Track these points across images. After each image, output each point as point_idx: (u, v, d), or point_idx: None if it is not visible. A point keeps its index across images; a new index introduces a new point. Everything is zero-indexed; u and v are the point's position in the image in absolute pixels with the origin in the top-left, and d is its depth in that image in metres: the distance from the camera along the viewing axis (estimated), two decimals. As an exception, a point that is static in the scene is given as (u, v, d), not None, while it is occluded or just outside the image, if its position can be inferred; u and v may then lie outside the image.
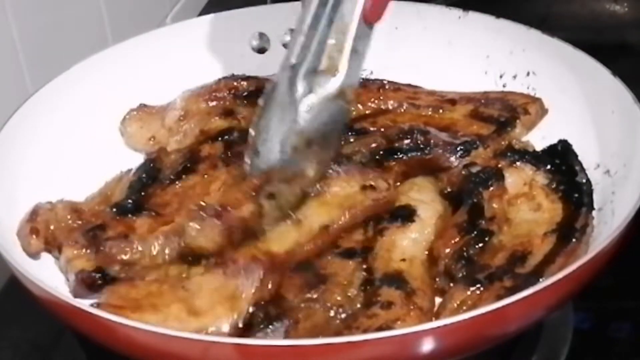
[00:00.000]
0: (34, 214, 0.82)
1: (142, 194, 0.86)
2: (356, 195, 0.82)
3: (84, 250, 0.78)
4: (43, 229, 0.81)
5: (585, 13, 1.24)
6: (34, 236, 0.80)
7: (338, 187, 0.82)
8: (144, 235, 0.79)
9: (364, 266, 0.78)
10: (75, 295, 0.77)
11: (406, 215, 0.80)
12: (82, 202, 0.87)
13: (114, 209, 0.83)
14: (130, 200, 0.85)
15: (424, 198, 0.82)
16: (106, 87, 0.96)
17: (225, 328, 0.71)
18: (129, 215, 0.82)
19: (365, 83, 0.97)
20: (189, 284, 0.74)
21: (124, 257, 0.77)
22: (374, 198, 0.82)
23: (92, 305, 0.72)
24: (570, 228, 0.78)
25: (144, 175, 0.88)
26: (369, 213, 0.82)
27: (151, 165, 0.90)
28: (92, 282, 0.76)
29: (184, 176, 0.87)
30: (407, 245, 0.78)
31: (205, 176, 0.87)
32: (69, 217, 0.82)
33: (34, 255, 0.80)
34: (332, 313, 0.73)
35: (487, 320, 0.65)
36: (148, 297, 0.72)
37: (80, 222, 0.81)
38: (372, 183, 0.82)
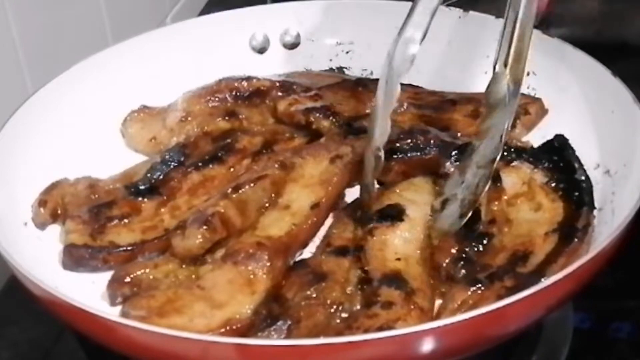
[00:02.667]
0: (51, 186, 0.85)
1: (162, 177, 0.86)
2: (329, 168, 0.85)
3: (82, 225, 0.81)
4: (54, 202, 0.84)
5: (585, 13, 1.24)
6: (41, 208, 0.83)
7: (311, 168, 0.85)
8: (146, 219, 0.82)
9: (360, 265, 0.77)
10: (64, 267, 0.80)
11: (394, 214, 0.80)
12: (103, 179, 0.88)
13: (127, 189, 0.85)
14: (145, 182, 0.85)
15: (417, 199, 0.82)
16: (106, 87, 0.96)
17: (250, 312, 0.72)
18: (139, 197, 0.84)
19: (366, 83, 0.97)
20: (203, 282, 0.74)
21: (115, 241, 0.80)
22: (345, 163, 0.85)
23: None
24: (572, 227, 0.78)
25: (168, 158, 0.88)
26: (348, 180, 0.86)
27: (182, 149, 0.89)
28: (79, 257, 0.80)
29: (210, 165, 0.88)
30: (399, 244, 0.78)
31: (232, 169, 0.88)
32: (85, 191, 0.85)
33: (40, 226, 0.83)
34: (332, 311, 0.73)
35: (487, 320, 0.65)
36: (169, 304, 0.73)
37: (94, 197, 0.84)
38: (337, 153, 0.86)
